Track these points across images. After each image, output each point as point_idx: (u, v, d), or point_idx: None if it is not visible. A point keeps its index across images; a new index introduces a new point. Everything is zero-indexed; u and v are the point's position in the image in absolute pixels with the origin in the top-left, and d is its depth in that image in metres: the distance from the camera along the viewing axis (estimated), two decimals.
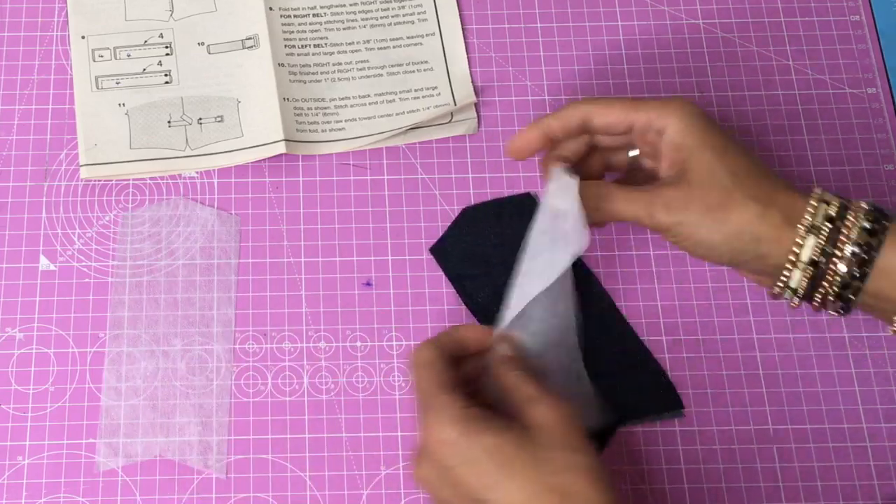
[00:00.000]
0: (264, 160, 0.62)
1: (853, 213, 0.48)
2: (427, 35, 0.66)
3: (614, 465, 0.56)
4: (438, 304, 0.60)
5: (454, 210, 0.61)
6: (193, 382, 0.58)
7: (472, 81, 0.65)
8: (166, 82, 0.64)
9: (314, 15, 0.66)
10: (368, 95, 0.64)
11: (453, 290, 0.60)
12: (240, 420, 0.57)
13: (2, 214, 0.61)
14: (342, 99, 0.64)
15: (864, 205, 0.48)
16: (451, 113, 0.63)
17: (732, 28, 0.66)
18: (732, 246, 0.49)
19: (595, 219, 0.52)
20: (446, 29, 0.66)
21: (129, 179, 0.62)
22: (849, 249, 0.48)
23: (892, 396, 0.58)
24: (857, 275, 0.48)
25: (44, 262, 0.60)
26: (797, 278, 0.49)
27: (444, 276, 0.60)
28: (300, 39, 0.65)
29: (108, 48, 0.65)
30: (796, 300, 0.50)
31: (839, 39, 0.66)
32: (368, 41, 0.66)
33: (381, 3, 0.67)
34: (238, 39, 0.65)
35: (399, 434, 0.57)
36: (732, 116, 0.64)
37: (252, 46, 0.65)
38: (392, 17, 0.66)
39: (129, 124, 0.63)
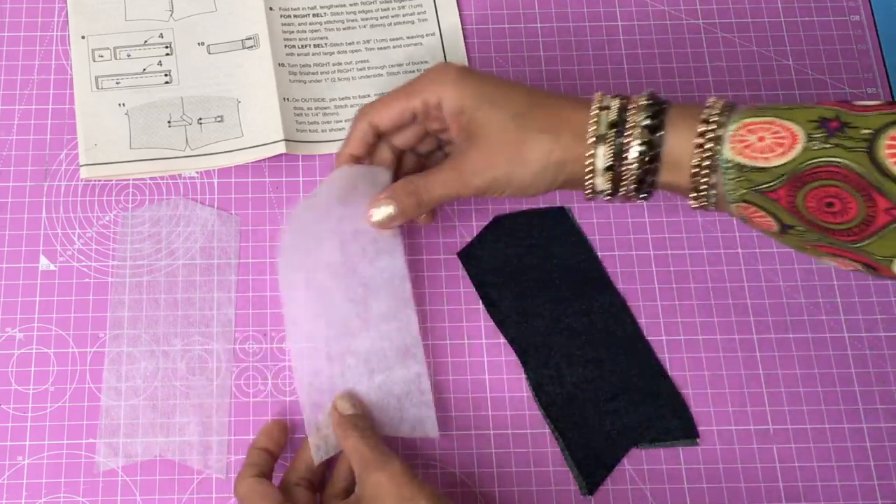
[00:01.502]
0: (264, 160, 0.62)
1: (633, 113, 0.50)
2: (427, 35, 0.66)
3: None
4: (438, 304, 0.60)
5: (454, 210, 0.61)
6: (193, 382, 0.58)
7: None
8: (166, 82, 0.64)
9: (314, 15, 0.66)
10: (368, 95, 0.64)
11: (452, 290, 0.60)
12: (240, 420, 0.57)
13: (2, 214, 0.61)
14: (342, 99, 0.64)
15: (643, 100, 0.50)
16: None
17: (732, 28, 0.66)
18: (544, 178, 0.52)
19: (420, 211, 0.54)
20: (446, 29, 0.66)
21: (129, 179, 0.62)
22: (635, 150, 0.49)
23: (892, 396, 0.58)
24: (649, 169, 0.50)
25: (44, 262, 0.60)
26: (601, 183, 0.51)
27: (443, 276, 0.60)
28: (300, 39, 0.65)
29: (108, 48, 0.65)
30: (606, 199, 0.52)
31: (839, 39, 0.66)
32: (368, 41, 0.66)
33: (381, 3, 0.67)
34: (238, 39, 0.65)
35: (399, 437, 0.57)
36: None
37: (252, 46, 0.65)
38: (392, 17, 0.66)
39: (129, 124, 0.63)
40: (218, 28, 0.65)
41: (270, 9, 0.65)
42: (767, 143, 0.46)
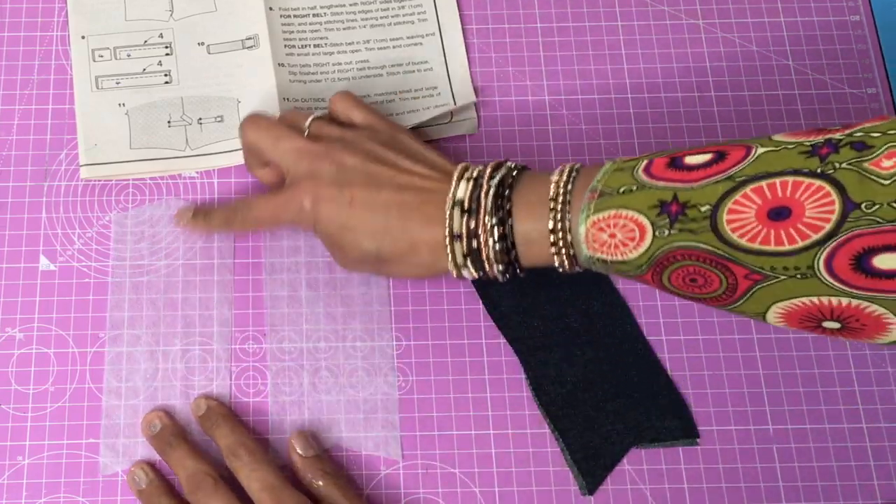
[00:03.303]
0: None
1: (483, 231, 0.50)
2: (427, 35, 0.66)
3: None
4: (438, 304, 0.60)
5: None
6: (193, 382, 0.58)
7: (472, 81, 0.65)
8: (166, 82, 0.64)
9: (314, 15, 0.66)
10: (368, 95, 0.64)
11: (452, 290, 0.60)
12: (240, 420, 0.57)
13: (2, 214, 0.61)
14: None
15: (488, 217, 0.50)
16: (451, 113, 0.63)
17: (732, 28, 0.66)
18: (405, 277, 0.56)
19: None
20: (446, 29, 0.66)
21: (129, 179, 0.62)
22: (495, 266, 0.51)
23: (892, 396, 0.58)
24: (509, 267, 0.51)
25: (44, 262, 0.60)
26: (467, 275, 0.52)
27: (443, 276, 0.60)
28: (300, 39, 0.65)
29: (108, 48, 0.65)
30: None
31: (839, 39, 0.66)
32: (368, 41, 0.66)
33: (381, 3, 0.67)
34: (238, 39, 0.65)
35: (399, 434, 0.57)
36: (732, 116, 0.64)
37: (252, 46, 0.65)
38: (392, 17, 0.66)
39: (129, 124, 0.63)
40: (218, 28, 0.65)
41: (270, 9, 0.65)
42: (619, 239, 0.47)
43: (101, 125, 0.62)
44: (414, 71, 0.65)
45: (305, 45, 0.65)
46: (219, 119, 0.63)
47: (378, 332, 0.59)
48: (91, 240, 0.61)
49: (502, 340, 0.59)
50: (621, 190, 0.47)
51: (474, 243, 0.50)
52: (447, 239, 0.51)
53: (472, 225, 0.50)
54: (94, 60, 0.64)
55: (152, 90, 0.64)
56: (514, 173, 0.51)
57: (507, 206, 0.50)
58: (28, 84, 0.64)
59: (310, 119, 0.56)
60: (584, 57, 0.66)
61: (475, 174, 0.51)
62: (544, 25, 0.66)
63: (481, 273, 0.51)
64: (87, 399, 0.57)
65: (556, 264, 0.50)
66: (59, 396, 0.57)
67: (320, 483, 0.53)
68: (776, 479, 0.56)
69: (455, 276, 0.52)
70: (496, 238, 0.50)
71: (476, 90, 0.65)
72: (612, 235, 0.47)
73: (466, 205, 0.50)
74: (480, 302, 0.60)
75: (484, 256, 0.50)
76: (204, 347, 0.58)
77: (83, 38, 0.65)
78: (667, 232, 0.46)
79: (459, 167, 0.53)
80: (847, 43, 0.66)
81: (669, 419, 0.57)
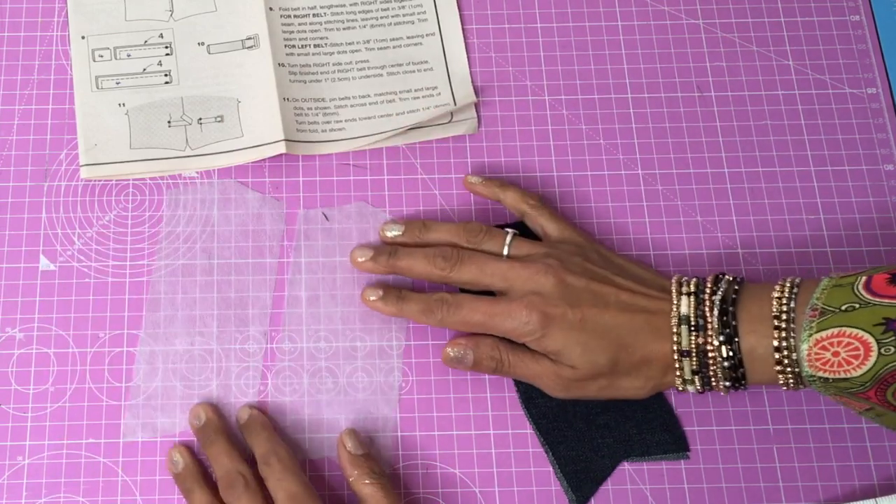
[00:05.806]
0: (264, 160, 0.62)
1: (712, 353, 0.52)
2: (427, 35, 0.66)
3: None
4: None
5: (454, 210, 0.61)
6: (193, 382, 0.58)
7: (472, 81, 0.65)
8: (166, 82, 0.64)
9: (314, 15, 0.66)
10: (368, 95, 0.64)
11: (454, 290, 0.60)
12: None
13: (2, 214, 0.61)
14: (342, 99, 0.64)
15: (714, 332, 0.51)
16: (451, 113, 0.63)
17: (732, 28, 0.66)
18: (634, 397, 0.55)
19: (497, 373, 0.56)
20: (446, 29, 0.66)
21: (129, 179, 0.62)
22: (722, 382, 0.52)
23: None
24: (736, 379, 0.52)
25: (44, 262, 0.60)
26: (694, 390, 0.54)
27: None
28: (300, 39, 0.65)
29: (108, 48, 0.65)
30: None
31: (839, 39, 0.66)
32: (368, 41, 0.66)
33: (381, 3, 0.67)
34: (238, 39, 0.65)
35: (399, 434, 0.57)
36: (732, 116, 0.64)
37: (252, 46, 0.65)
38: (392, 17, 0.66)
39: (129, 124, 0.63)
40: (218, 28, 0.65)
41: (270, 9, 0.65)
42: (843, 357, 0.48)
43: (101, 125, 0.62)
44: (414, 71, 0.65)
45: (305, 45, 0.65)
46: (219, 119, 0.63)
47: (378, 331, 0.59)
48: (91, 240, 0.61)
49: None
50: (843, 307, 0.48)
51: (703, 360, 0.52)
52: (675, 355, 0.52)
53: (701, 342, 0.52)
54: (94, 60, 0.64)
55: (152, 90, 0.64)
56: (736, 287, 0.52)
57: (734, 324, 0.51)
58: (28, 84, 0.64)
59: (509, 238, 0.56)
60: (584, 57, 0.66)
61: (693, 288, 0.53)
62: (544, 25, 0.66)
63: (707, 388, 0.53)
64: (87, 399, 0.57)
65: (781, 382, 0.51)
66: (59, 396, 0.57)
67: (366, 482, 0.53)
68: (776, 479, 0.56)
69: (680, 390, 0.54)
70: (724, 356, 0.51)
71: (476, 90, 0.65)
72: (836, 354, 0.48)
73: (693, 321, 0.52)
74: None
75: (711, 373, 0.52)
76: (204, 347, 0.58)
77: (83, 38, 0.65)
78: (892, 349, 0.47)
79: (674, 281, 0.54)
80: (847, 43, 0.66)
81: (660, 433, 0.56)
